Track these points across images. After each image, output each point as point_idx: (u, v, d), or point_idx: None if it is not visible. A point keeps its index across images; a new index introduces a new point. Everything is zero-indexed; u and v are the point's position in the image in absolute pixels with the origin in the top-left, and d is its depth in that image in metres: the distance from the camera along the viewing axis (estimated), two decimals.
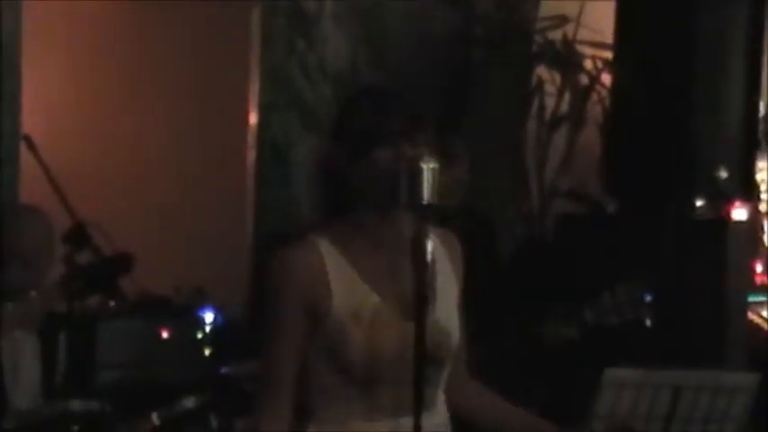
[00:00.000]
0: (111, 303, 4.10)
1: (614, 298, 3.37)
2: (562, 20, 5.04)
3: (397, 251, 2.42)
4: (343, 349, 2.38)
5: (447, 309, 2.43)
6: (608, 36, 4.88)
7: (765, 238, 5.02)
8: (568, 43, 4.99)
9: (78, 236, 3.92)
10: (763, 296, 4.82)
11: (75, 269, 3.69)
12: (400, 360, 2.37)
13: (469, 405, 2.59)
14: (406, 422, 2.36)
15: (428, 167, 2.29)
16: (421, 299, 2.27)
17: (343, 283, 2.40)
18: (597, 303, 3.40)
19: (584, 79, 4.99)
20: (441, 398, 2.49)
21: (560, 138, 5.05)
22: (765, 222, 5.04)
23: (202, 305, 4.32)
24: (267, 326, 2.44)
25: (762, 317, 4.74)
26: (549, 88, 5.05)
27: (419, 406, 2.28)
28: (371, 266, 2.43)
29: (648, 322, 3.28)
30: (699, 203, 4.69)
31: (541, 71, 5.10)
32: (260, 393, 2.46)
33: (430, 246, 2.27)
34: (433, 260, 2.31)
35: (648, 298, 3.29)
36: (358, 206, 2.44)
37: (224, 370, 4.11)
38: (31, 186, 4.28)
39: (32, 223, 3.81)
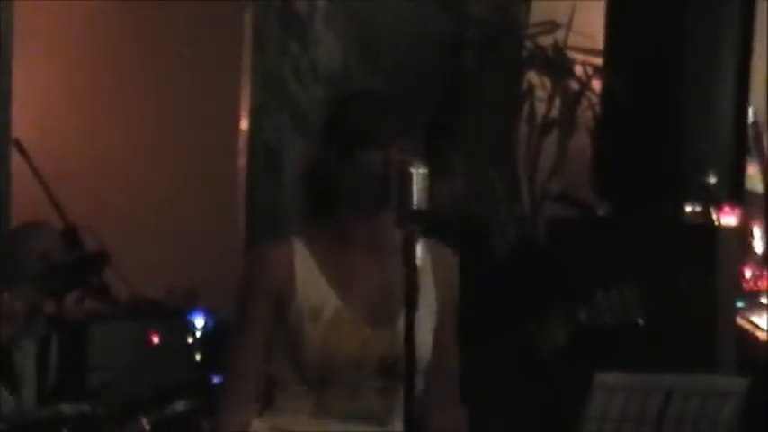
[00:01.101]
0: (100, 305, 4.10)
1: (608, 299, 3.38)
2: (553, 25, 5.05)
3: (375, 256, 2.43)
4: (299, 346, 2.40)
5: (420, 322, 2.40)
6: (598, 42, 4.89)
7: (755, 243, 5.03)
8: (559, 49, 5.00)
9: (70, 238, 3.93)
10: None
11: (50, 267, 3.70)
12: (354, 364, 2.39)
13: (434, 423, 2.53)
14: (354, 428, 2.39)
15: (417, 172, 2.27)
16: (410, 304, 2.27)
17: (308, 282, 2.43)
18: (591, 304, 3.41)
19: (575, 85, 5.00)
20: (397, 410, 2.42)
21: (551, 142, 5.05)
22: (755, 227, 5.05)
23: (194, 308, 4.32)
24: (237, 316, 2.49)
25: (751, 322, 4.75)
26: (540, 93, 5.06)
27: (410, 411, 2.27)
28: (342, 271, 2.44)
29: (640, 322, 3.29)
30: (689, 208, 4.70)
31: (532, 76, 5.10)
32: (225, 381, 2.50)
33: (419, 251, 2.28)
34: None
35: (640, 299, 3.30)
36: (341, 208, 2.45)
37: (215, 374, 4.11)
38: (21, 189, 4.28)
39: (39, 238, 3.82)
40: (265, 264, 2.46)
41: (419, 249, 2.27)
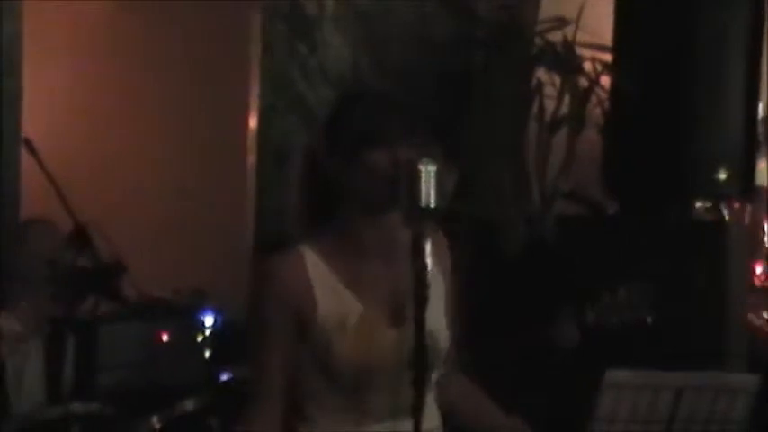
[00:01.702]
0: (111, 306, 4.11)
1: (615, 298, 3.37)
2: (562, 22, 5.04)
3: (385, 256, 2.41)
4: (330, 357, 2.36)
5: (434, 313, 2.38)
6: (607, 38, 4.88)
7: (765, 239, 5.02)
8: (568, 45, 4.98)
9: (79, 239, 3.93)
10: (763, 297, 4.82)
11: (68, 275, 3.71)
12: (387, 366, 2.37)
13: (449, 397, 2.57)
14: (396, 425, 2.36)
15: (426, 170, 2.26)
16: (421, 304, 2.26)
17: (327, 291, 2.39)
18: (598, 303, 3.40)
19: (584, 81, 4.99)
20: (431, 401, 2.46)
21: (561, 140, 5.05)
22: (765, 224, 5.04)
23: (202, 308, 4.32)
24: (255, 335, 2.43)
25: (763, 318, 4.74)
26: (549, 90, 5.05)
27: (419, 408, 2.27)
28: (356, 273, 2.41)
29: (649, 320, 3.28)
30: (699, 205, 4.69)
31: (541, 73, 5.09)
32: (251, 398, 2.44)
33: (428, 248, 2.27)
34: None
35: (648, 297, 3.30)
36: (346, 209, 2.42)
37: (224, 373, 4.11)
38: (31, 189, 4.29)
39: (42, 235, 3.84)
40: (279, 279, 2.39)
41: (428, 247, 2.27)
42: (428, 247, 2.27)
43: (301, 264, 2.39)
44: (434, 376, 2.46)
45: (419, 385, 2.25)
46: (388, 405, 2.38)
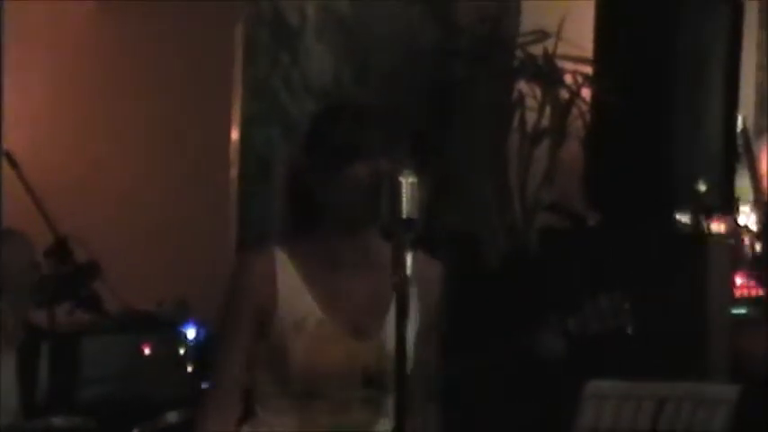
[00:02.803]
0: (93, 319, 4.10)
1: (596, 307, 3.38)
2: (542, 34, 5.05)
3: (360, 269, 2.41)
4: (283, 359, 2.38)
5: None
6: (588, 51, 4.90)
7: (746, 251, 5.04)
8: (549, 57, 5.00)
9: (60, 251, 3.93)
10: (744, 309, 4.84)
11: (43, 278, 3.70)
12: (339, 376, 2.37)
13: None
14: None
15: (407, 181, 2.25)
16: (401, 315, 2.25)
17: (290, 292, 2.40)
18: (579, 313, 3.41)
19: (565, 94, 5.01)
20: (384, 426, 2.42)
21: (542, 152, 5.06)
22: (745, 235, 5.06)
23: (185, 320, 4.32)
24: (220, 327, 2.47)
25: (748, 330, 4.74)
26: (531, 102, 5.07)
27: (400, 424, 2.26)
28: (324, 282, 2.42)
29: (630, 330, 3.29)
30: (680, 216, 4.71)
31: (522, 85, 5.11)
32: (210, 391, 2.47)
33: (408, 260, 2.27)
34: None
35: (628, 306, 3.31)
36: (326, 222, 2.42)
37: (206, 385, 4.10)
38: (12, 201, 4.27)
39: (14, 246, 3.82)
40: (247, 274, 2.43)
41: (409, 259, 2.27)
42: (409, 260, 2.27)
43: (270, 261, 2.42)
44: (389, 401, 2.40)
45: (400, 398, 2.24)
46: (335, 418, 2.38)
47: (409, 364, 2.35)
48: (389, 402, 2.41)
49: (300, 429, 2.40)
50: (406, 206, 2.25)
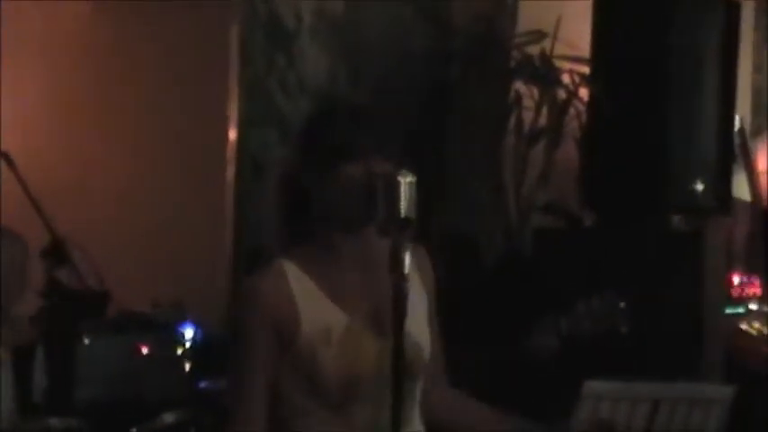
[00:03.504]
0: (90, 320, 4.10)
1: (589, 307, 3.39)
2: (539, 35, 5.06)
3: (364, 268, 2.41)
4: (315, 371, 2.36)
5: (417, 323, 2.41)
6: (585, 51, 4.90)
7: (742, 250, 5.04)
8: (546, 57, 5.00)
9: (57, 252, 3.93)
10: (741, 308, 4.85)
11: (49, 301, 3.70)
12: (373, 378, 2.36)
13: (444, 412, 2.57)
14: None
15: (405, 181, 2.28)
16: (400, 314, 2.27)
17: (310, 304, 2.38)
18: (573, 313, 3.42)
19: (563, 94, 5.01)
20: (416, 413, 2.47)
21: (538, 152, 5.06)
22: (741, 233, 5.07)
23: (182, 320, 4.32)
24: (238, 354, 2.40)
25: (745, 331, 4.75)
26: (528, 103, 5.07)
27: (397, 421, 2.28)
28: (339, 285, 2.41)
29: (624, 329, 3.30)
30: (676, 216, 4.71)
31: (519, 86, 5.11)
32: (233, 415, 2.41)
33: (407, 259, 2.28)
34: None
35: (623, 305, 3.31)
36: (322, 223, 2.42)
37: (204, 385, 4.11)
38: (9, 202, 4.27)
39: (7, 246, 3.82)
40: (262, 295, 2.38)
41: (407, 258, 2.28)
42: (407, 259, 2.28)
43: (283, 278, 2.39)
44: (419, 387, 2.46)
45: (397, 396, 2.26)
46: (375, 417, 2.37)
47: (428, 353, 2.46)
48: (419, 387, 2.45)
49: None
50: (404, 205, 2.28)
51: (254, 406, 2.39)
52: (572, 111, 4.98)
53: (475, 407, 2.62)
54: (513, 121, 5.07)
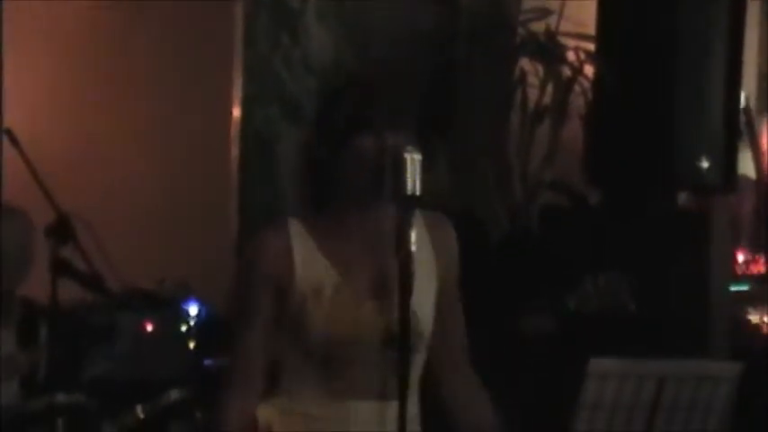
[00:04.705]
0: (95, 297, 4.10)
1: (595, 286, 3.39)
2: (545, 12, 5.04)
3: (372, 242, 2.42)
4: (304, 327, 2.38)
5: (420, 294, 2.40)
6: (590, 28, 4.88)
7: (747, 228, 5.04)
8: (551, 35, 4.99)
9: (62, 229, 3.92)
10: (746, 285, 4.85)
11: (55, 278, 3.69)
12: (363, 340, 2.37)
13: (456, 401, 2.55)
14: (365, 407, 2.38)
15: (411, 158, 2.29)
16: (405, 290, 2.27)
17: (306, 259, 2.41)
18: (579, 291, 3.42)
19: (568, 71, 4.99)
20: (414, 389, 2.44)
21: (544, 130, 5.05)
22: (747, 210, 5.06)
23: (187, 298, 4.32)
24: (237, 305, 2.45)
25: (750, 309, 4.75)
26: (533, 80, 5.05)
27: (404, 393, 2.28)
28: (339, 250, 2.43)
29: (630, 307, 3.30)
30: (681, 194, 4.71)
31: (524, 63, 5.09)
32: (229, 368, 2.46)
33: (413, 236, 2.28)
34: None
35: (630, 284, 3.31)
36: (339, 197, 2.43)
37: (208, 362, 4.11)
38: (13, 180, 4.27)
39: (12, 223, 3.82)
40: (261, 249, 2.43)
41: (414, 234, 2.28)
42: (413, 236, 2.28)
43: (285, 233, 2.43)
44: (419, 359, 2.45)
45: (401, 369, 2.26)
46: (371, 384, 2.38)
47: (430, 325, 2.44)
48: (418, 362, 2.43)
49: (329, 395, 2.39)
50: (410, 183, 2.28)
51: (251, 361, 2.42)
52: (577, 88, 4.97)
53: (479, 412, 2.58)
54: (518, 98, 5.06)
